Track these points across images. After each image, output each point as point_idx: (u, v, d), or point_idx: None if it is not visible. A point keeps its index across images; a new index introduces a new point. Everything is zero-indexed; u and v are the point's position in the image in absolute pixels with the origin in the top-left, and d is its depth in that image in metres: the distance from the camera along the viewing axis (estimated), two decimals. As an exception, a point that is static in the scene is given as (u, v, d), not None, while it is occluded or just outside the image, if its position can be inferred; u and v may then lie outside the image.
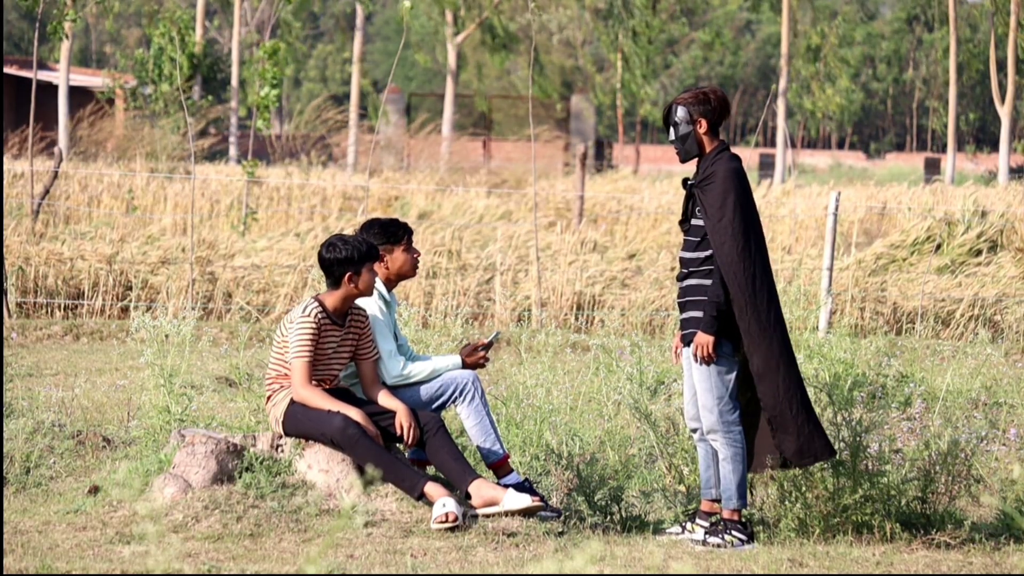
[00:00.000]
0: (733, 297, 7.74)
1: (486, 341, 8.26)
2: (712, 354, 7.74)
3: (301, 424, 7.81)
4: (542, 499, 7.89)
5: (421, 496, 7.65)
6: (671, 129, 8.00)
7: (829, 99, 51.00)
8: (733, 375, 7.82)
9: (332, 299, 7.88)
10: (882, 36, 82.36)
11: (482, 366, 8.26)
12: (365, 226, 8.22)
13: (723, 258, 7.74)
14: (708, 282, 7.81)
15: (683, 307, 7.94)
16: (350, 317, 7.93)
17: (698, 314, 7.81)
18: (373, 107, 50.93)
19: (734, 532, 7.83)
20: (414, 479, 7.67)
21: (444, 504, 7.53)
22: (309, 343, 7.77)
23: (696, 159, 7.98)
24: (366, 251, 7.89)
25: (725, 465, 7.84)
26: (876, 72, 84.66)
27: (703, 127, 7.93)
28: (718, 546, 7.79)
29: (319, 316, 7.80)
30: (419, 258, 8.30)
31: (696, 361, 7.81)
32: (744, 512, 7.94)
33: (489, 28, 49.22)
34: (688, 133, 7.93)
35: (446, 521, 7.50)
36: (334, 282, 7.88)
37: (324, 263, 7.89)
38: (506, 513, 7.65)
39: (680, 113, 7.93)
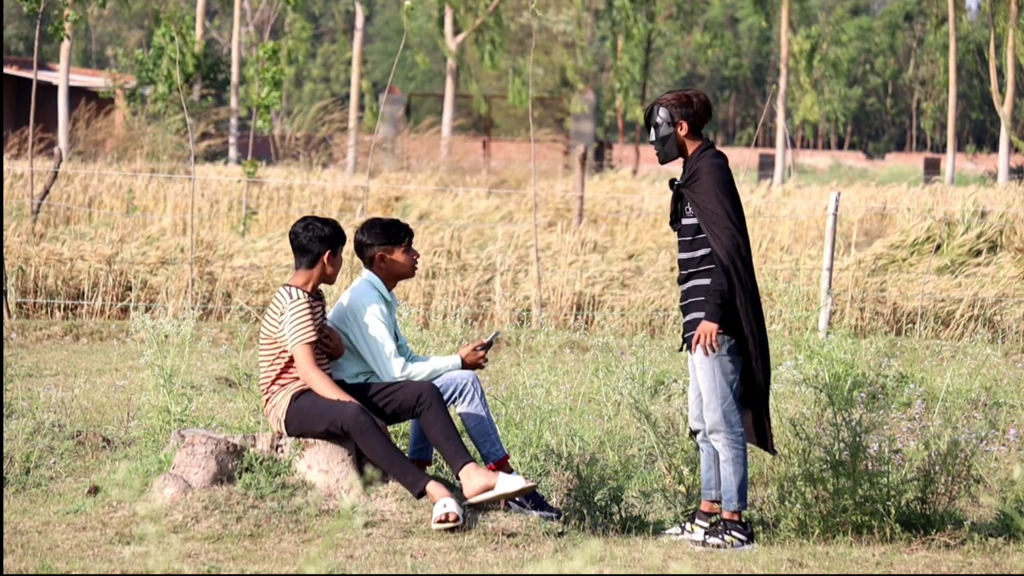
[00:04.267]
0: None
1: (485, 341, 8.27)
2: (716, 343, 7.72)
3: (307, 418, 7.78)
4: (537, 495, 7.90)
5: (422, 494, 7.65)
6: (652, 130, 8.02)
7: (810, 109, 51.01)
8: (738, 376, 7.81)
9: (304, 279, 7.89)
10: (873, 31, 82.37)
11: (481, 366, 8.26)
12: (366, 225, 8.22)
13: (721, 250, 7.73)
14: (709, 281, 7.80)
15: (686, 310, 7.92)
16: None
17: (700, 315, 7.81)
18: (371, 110, 50.91)
19: (734, 532, 7.83)
20: (417, 476, 7.66)
21: (445, 504, 7.53)
22: (309, 324, 7.75)
23: (677, 160, 8.01)
24: (340, 232, 7.94)
25: (726, 467, 7.83)
26: (874, 67, 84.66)
27: (684, 129, 7.94)
28: (718, 546, 7.79)
29: (306, 296, 7.81)
30: (418, 259, 8.31)
31: (696, 350, 7.77)
32: (744, 512, 7.94)
33: (486, 30, 49.15)
34: (669, 135, 7.95)
35: (446, 521, 7.50)
36: (311, 261, 7.88)
37: (302, 241, 7.89)
38: (502, 497, 7.63)
39: (662, 114, 7.95)
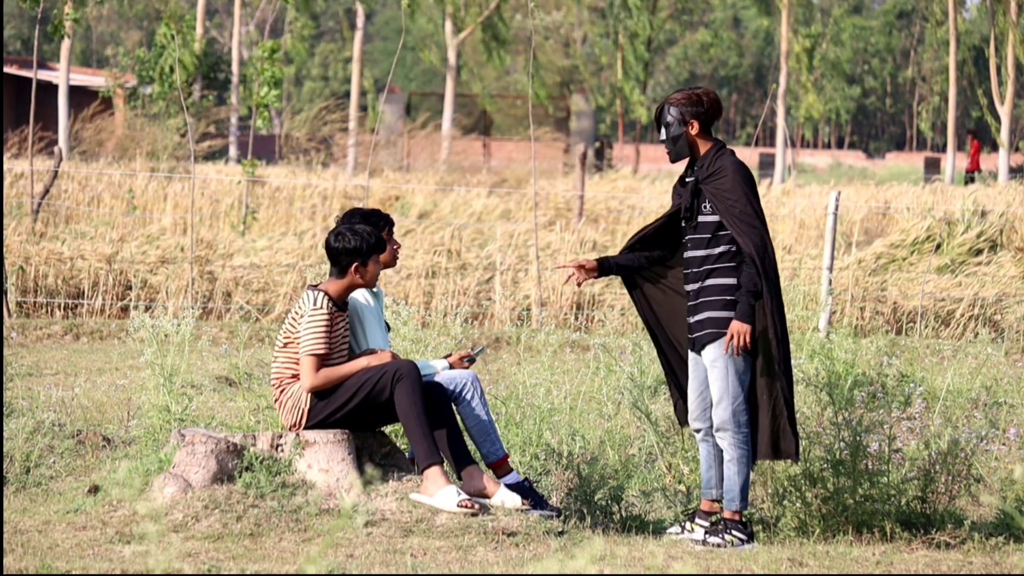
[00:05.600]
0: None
1: (472, 353, 8.28)
2: (748, 344, 7.69)
3: (340, 392, 7.73)
4: (537, 501, 7.90)
5: (424, 470, 7.64)
6: (663, 129, 8.00)
7: (813, 106, 51.01)
8: (749, 375, 7.78)
9: (336, 288, 7.87)
10: (870, 30, 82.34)
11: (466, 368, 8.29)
12: (347, 215, 8.22)
13: (752, 248, 7.70)
14: (727, 280, 7.76)
15: (696, 309, 7.87)
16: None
17: (714, 314, 7.75)
18: (372, 108, 50.90)
19: (734, 532, 7.82)
20: (431, 452, 7.64)
21: (459, 493, 7.58)
22: (323, 335, 7.74)
23: (686, 159, 7.99)
24: (374, 243, 7.90)
25: (731, 466, 7.81)
26: (871, 67, 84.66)
27: (695, 128, 7.93)
28: (718, 546, 7.78)
29: (331, 307, 7.79)
30: (399, 250, 8.33)
31: (727, 352, 7.71)
32: (744, 512, 7.94)
33: (489, 28, 49.15)
34: (680, 134, 7.94)
35: (469, 507, 7.53)
36: (340, 271, 7.88)
37: (332, 252, 7.88)
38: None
39: (673, 113, 7.94)
